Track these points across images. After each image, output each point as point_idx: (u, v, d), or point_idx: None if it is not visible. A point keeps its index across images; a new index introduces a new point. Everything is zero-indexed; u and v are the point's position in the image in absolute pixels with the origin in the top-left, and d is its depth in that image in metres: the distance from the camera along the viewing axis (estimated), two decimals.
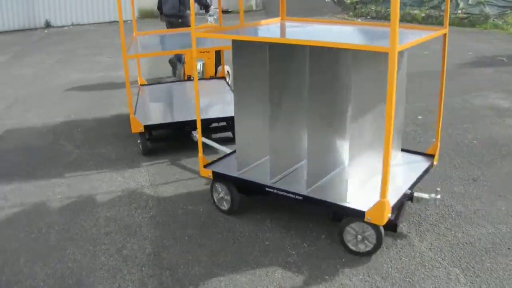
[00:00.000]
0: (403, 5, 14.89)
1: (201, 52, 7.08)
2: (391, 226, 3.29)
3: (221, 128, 5.52)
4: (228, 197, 3.83)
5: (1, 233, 3.79)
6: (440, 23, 13.25)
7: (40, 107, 7.22)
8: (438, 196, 3.49)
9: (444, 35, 3.56)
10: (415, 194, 3.56)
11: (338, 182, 3.56)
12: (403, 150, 4.08)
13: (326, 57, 3.33)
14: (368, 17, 15.40)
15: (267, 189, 3.59)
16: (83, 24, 17.25)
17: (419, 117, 6.05)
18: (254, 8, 17.61)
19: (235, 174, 3.81)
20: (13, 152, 5.48)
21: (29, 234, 3.75)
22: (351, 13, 16.20)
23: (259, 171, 3.83)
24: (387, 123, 2.81)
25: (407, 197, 3.55)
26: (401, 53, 3.44)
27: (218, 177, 3.85)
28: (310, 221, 3.70)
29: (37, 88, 8.41)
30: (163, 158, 5.10)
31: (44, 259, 3.42)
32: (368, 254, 3.25)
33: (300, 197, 3.42)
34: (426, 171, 3.82)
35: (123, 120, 6.27)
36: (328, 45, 3.09)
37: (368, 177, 3.49)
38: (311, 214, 3.77)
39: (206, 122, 5.16)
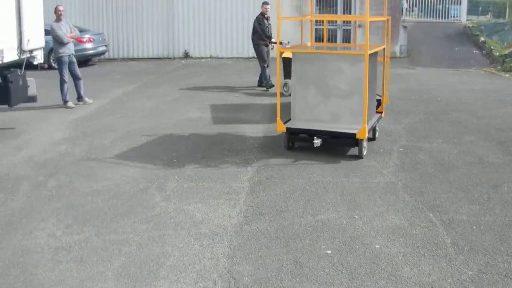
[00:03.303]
0: None
1: None
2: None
3: None
4: None
5: None
6: None
7: (145, 146, 7.30)
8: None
9: None
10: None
11: None
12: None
13: None
14: None
15: None
16: (221, 58, 17.86)
17: None
18: (397, 54, 17.11)
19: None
20: (100, 195, 5.47)
21: None
22: (499, 67, 15.02)
23: None
24: None
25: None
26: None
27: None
28: None
29: (151, 123, 8.60)
30: (254, 224, 4.72)
31: None
32: None
33: None
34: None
35: (226, 174, 6.03)
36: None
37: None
38: None
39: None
